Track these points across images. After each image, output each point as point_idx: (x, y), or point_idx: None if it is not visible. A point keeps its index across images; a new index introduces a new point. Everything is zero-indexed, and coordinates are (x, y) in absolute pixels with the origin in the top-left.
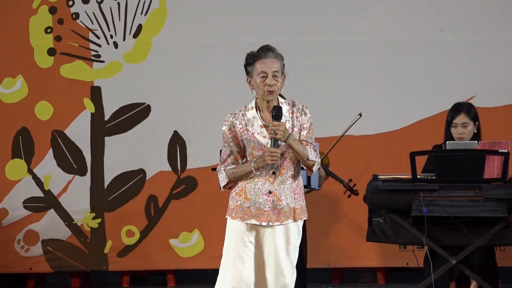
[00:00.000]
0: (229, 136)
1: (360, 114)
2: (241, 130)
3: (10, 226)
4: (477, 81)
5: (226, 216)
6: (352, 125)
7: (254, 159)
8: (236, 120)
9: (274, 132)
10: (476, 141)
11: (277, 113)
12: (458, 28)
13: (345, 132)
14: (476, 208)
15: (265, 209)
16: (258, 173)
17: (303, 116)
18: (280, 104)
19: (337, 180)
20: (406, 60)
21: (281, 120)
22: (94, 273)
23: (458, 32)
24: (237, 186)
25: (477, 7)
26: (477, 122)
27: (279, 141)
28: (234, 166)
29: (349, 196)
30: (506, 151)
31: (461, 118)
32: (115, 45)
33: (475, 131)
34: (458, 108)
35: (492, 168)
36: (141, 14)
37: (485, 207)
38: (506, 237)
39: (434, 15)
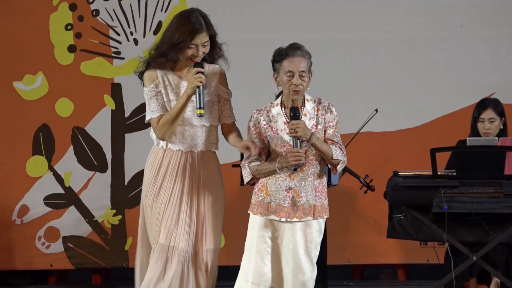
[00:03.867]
0: (254, 132)
1: (376, 110)
2: (265, 127)
3: (31, 223)
4: (498, 77)
5: (249, 212)
6: (368, 120)
7: (278, 158)
8: (261, 116)
9: (294, 130)
10: (497, 138)
11: (294, 113)
12: (478, 25)
13: (362, 127)
14: (496, 204)
15: (285, 205)
16: (282, 172)
17: (329, 114)
18: (306, 101)
19: (353, 176)
20: (426, 57)
21: (302, 119)
22: (115, 270)
23: (478, 29)
24: (259, 182)
25: (496, 3)
26: (503, 118)
27: (301, 141)
28: (259, 162)
29: (365, 192)
30: None
31: (488, 113)
32: (135, 42)
33: (501, 127)
34: (485, 103)
35: None
36: (161, 11)
37: (505, 204)
38: None
39: (454, 11)
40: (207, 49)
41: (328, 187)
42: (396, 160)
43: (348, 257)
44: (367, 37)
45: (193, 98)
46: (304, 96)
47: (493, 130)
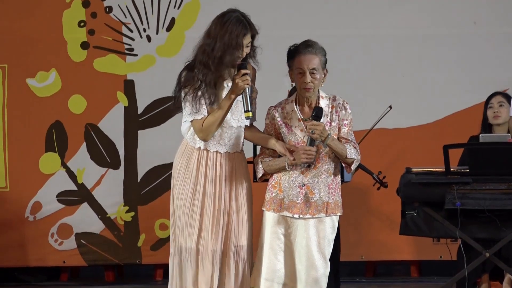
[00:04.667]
0: (271, 128)
1: (390, 107)
2: (279, 123)
3: (44, 219)
4: (511, 73)
5: (262, 208)
6: (382, 117)
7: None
8: (276, 112)
9: (312, 131)
10: (509, 134)
11: (317, 113)
12: (491, 21)
13: (375, 124)
14: (509, 201)
15: (298, 202)
16: (291, 169)
17: (343, 111)
18: (321, 98)
19: (366, 172)
20: (439, 53)
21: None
22: (128, 266)
23: (491, 25)
24: (272, 178)
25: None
26: None
27: (316, 141)
28: (271, 158)
29: (378, 189)
30: None
31: (497, 98)
32: (148, 38)
33: None
34: (494, 92)
35: None
36: (174, 7)
37: None
38: None
39: (468, 8)
40: (249, 49)
41: (340, 183)
42: (409, 157)
43: (360, 253)
44: (380, 34)
45: (239, 99)
46: (318, 93)
47: (503, 114)
